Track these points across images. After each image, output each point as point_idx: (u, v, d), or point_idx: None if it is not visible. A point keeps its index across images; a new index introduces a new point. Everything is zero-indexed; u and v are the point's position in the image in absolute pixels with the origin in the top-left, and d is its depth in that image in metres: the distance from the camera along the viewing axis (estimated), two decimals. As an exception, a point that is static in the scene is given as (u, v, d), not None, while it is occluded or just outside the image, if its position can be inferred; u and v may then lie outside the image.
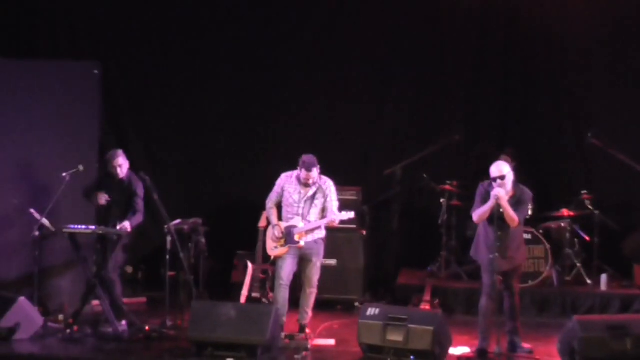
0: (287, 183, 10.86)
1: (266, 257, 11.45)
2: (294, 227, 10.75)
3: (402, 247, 13.57)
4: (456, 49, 13.99)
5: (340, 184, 12.69)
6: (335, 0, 13.97)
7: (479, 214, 10.07)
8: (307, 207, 10.80)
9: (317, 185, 10.81)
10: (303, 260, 10.84)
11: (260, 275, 11.81)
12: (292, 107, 14.04)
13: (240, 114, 14.04)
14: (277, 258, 10.90)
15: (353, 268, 12.68)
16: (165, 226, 10.84)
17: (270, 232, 10.94)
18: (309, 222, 10.78)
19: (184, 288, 11.23)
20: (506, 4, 13.92)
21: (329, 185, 10.90)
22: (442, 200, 13.11)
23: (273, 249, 10.89)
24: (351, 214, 10.95)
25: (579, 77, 13.88)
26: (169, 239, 10.84)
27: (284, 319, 10.69)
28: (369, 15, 13.93)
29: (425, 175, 13.19)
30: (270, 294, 11.54)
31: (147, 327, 10.75)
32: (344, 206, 12.25)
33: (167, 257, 10.92)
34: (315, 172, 10.72)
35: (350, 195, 12.76)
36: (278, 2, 13.97)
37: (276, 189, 10.93)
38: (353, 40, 13.97)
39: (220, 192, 13.94)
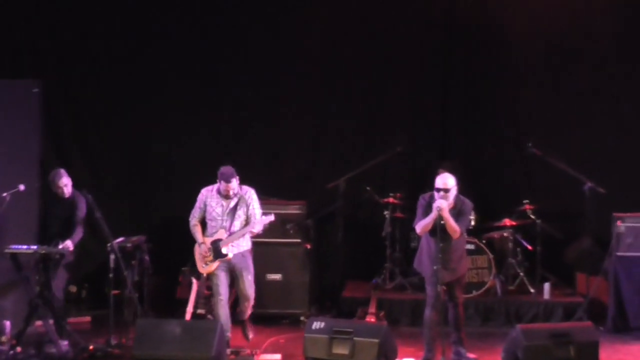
0: (208, 197, 10.86)
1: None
2: (219, 240, 10.74)
3: (346, 260, 13.55)
4: (397, 61, 14.05)
5: (284, 198, 12.79)
6: (278, 13, 13.97)
7: (421, 225, 10.14)
8: (229, 219, 10.78)
9: (238, 195, 10.81)
10: (234, 276, 10.83)
11: (205, 292, 11.75)
12: (235, 123, 14.02)
13: (183, 129, 13.99)
14: (210, 275, 10.88)
15: (298, 282, 12.68)
16: (109, 244, 10.78)
17: (197, 250, 10.91)
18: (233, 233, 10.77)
19: (129, 306, 11.15)
20: (447, 16, 14.04)
21: (251, 194, 10.89)
22: (385, 213, 13.17)
23: (204, 266, 10.84)
24: (271, 217, 10.85)
25: (519, 87, 14.02)
26: (112, 257, 10.78)
27: (229, 334, 10.68)
28: (310, 28, 13.96)
29: (368, 188, 13.24)
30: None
31: (91, 347, 10.69)
32: (288, 220, 12.32)
33: (111, 275, 10.86)
34: (235, 182, 10.71)
35: (294, 209, 12.78)
36: (220, 15, 13.95)
37: (198, 204, 10.92)
38: (295, 53, 14.00)
39: (164, 209, 13.85)
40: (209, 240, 10.79)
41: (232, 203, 10.78)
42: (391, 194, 13.20)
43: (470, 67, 14.09)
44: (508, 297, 12.71)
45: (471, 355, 10.46)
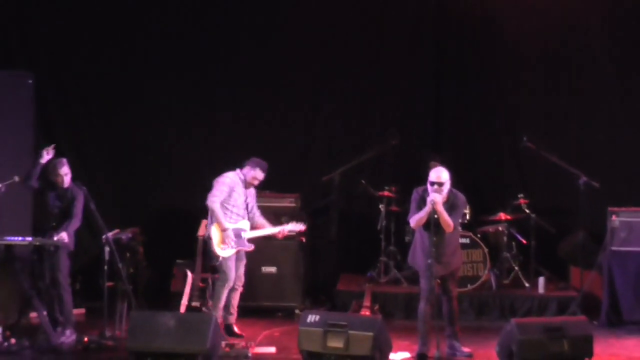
0: (236, 184, 10.97)
1: (206, 266, 11.45)
2: (243, 230, 11.01)
3: (341, 253, 13.58)
4: (390, 54, 14.06)
5: (278, 190, 12.79)
6: (271, 10, 13.96)
7: (415, 219, 10.13)
8: (246, 211, 11.07)
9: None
10: (237, 261, 11.11)
11: (200, 284, 11.76)
12: (228, 115, 14.01)
13: (175, 122, 13.97)
14: (224, 259, 10.97)
15: (292, 275, 12.68)
16: (103, 236, 10.75)
17: (218, 233, 10.90)
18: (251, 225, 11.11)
19: (123, 298, 11.14)
20: (439, 9, 14.05)
21: (254, 191, 11.25)
22: (380, 206, 13.17)
23: (224, 249, 10.92)
24: (302, 226, 11.36)
25: (513, 80, 14.06)
26: (106, 249, 10.74)
27: (220, 320, 10.87)
28: (302, 22, 13.97)
29: (363, 181, 13.24)
30: (210, 302, 11.53)
31: (85, 338, 10.66)
32: (282, 213, 12.32)
33: (105, 267, 10.80)
34: None
35: (289, 202, 12.79)
36: (211, 10, 13.93)
37: (225, 188, 10.96)
38: (287, 46, 14.00)
39: (158, 201, 13.84)
40: (232, 226, 10.94)
41: (249, 198, 11.10)
42: (386, 187, 13.19)
43: (464, 60, 14.10)
44: (502, 291, 12.73)
45: (465, 349, 10.45)
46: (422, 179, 10.34)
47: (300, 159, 14.08)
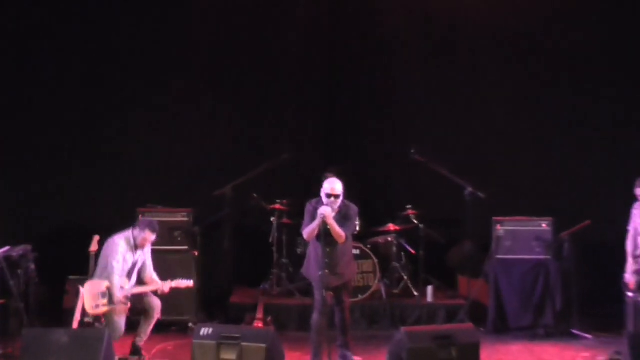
0: (126, 252, 10.78)
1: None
2: (122, 288, 10.72)
3: (234, 266, 13.59)
4: (283, 68, 14.22)
5: (170, 205, 12.76)
6: (164, 18, 13.99)
7: (307, 231, 10.28)
8: (134, 270, 10.88)
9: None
10: (139, 300, 10.88)
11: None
12: (120, 129, 13.93)
13: (67, 135, 13.86)
14: (108, 316, 10.73)
15: (186, 289, 12.66)
16: (-7, 253, 10.66)
17: (92, 290, 10.64)
18: (133, 284, 10.88)
19: (15, 316, 11.03)
20: (331, 24, 14.26)
21: (149, 248, 11.01)
22: (272, 219, 13.28)
23: (94, 307, 10.59)
24: (190, 283, 11.16)
25: (402, 94, 14.29)
26: (-3, 266, 10.66)
27: None
28: (197, 33, 14.03)
29: (255, 195, 13.32)
30: (103, 319, 11.46)
31: (-24, 358, 10.56)
32: (175, 228, 12.30)
33: (-4, 285, 10.74)
34: None
35: (181, 217, 12.78)
36: (106, 14, 13.91)
37: (120, 258, 10.73)
38: (181, 58, 14.04)
39: (49, 216, 13.72)
40: (105, 283, 10.64)
41: (140, 258, 10.89)
42: (278, 201, 13.32)
43: (355, 74, 14.33)
44: (393, 301, 12.93)
45: (357, 358, 10.62)
46: (314, 191, 10.49)
47: (193, 174, 14.07)
